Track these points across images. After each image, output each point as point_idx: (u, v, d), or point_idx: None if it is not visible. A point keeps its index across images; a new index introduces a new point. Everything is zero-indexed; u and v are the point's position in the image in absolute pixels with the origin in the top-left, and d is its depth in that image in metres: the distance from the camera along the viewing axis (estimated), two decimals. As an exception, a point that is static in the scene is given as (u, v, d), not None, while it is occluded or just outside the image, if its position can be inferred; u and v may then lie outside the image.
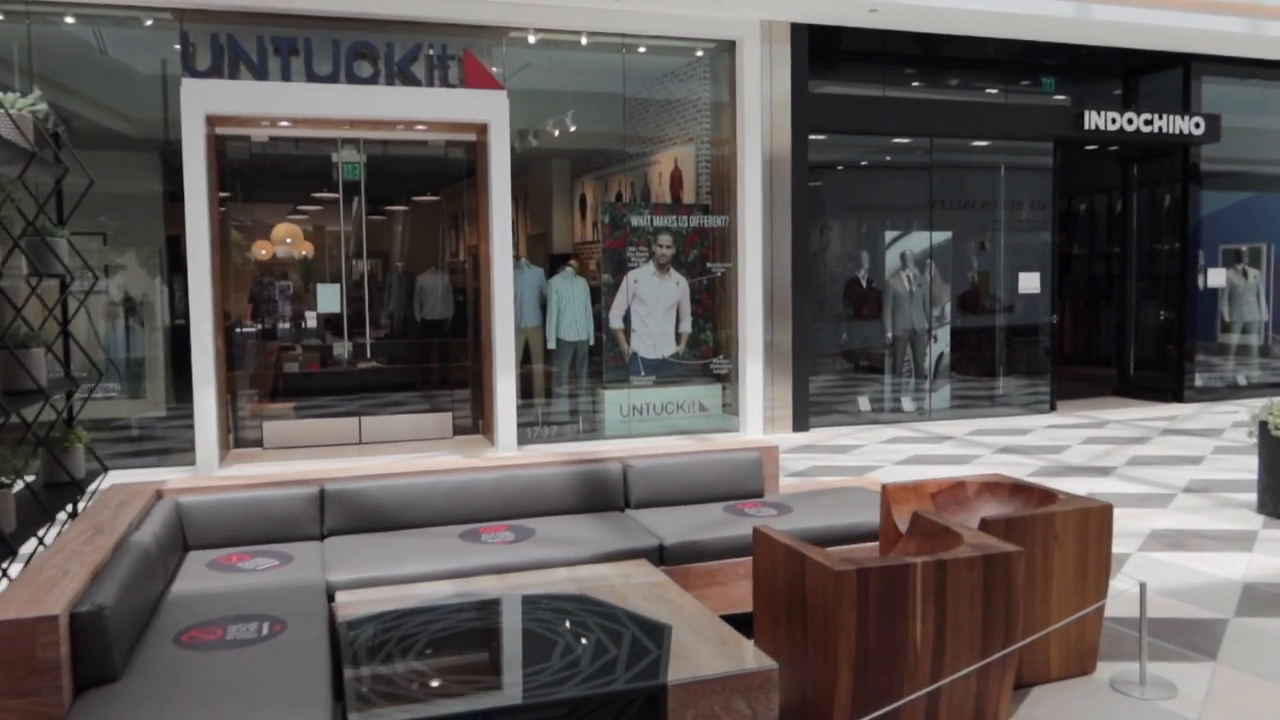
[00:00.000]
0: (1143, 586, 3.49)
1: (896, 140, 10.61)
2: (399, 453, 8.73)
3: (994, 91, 11.34)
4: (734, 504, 4.41)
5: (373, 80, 8.37)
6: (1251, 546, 5.23)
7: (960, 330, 11.00)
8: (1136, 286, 11.99)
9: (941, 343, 10.84)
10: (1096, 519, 3.59)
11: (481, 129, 8.71)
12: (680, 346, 9.74)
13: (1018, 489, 3.97)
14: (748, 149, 9.30)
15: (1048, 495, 3.82)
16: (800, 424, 9.55)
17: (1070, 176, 13.15)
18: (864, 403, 10.58)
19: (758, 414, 9.45)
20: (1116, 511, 5.93)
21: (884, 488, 3.97)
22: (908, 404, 10.61)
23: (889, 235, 10.72)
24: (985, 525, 3.42)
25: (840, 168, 11.12)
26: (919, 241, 10.69)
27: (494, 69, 8.95)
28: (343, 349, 9.98)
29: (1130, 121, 10.47)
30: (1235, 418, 10.03)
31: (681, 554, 3.90)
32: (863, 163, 10.97)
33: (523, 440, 9.06)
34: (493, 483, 4.25)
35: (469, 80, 8.61)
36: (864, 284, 10.96)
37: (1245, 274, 12.14)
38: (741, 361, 9.47)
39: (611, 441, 9.17)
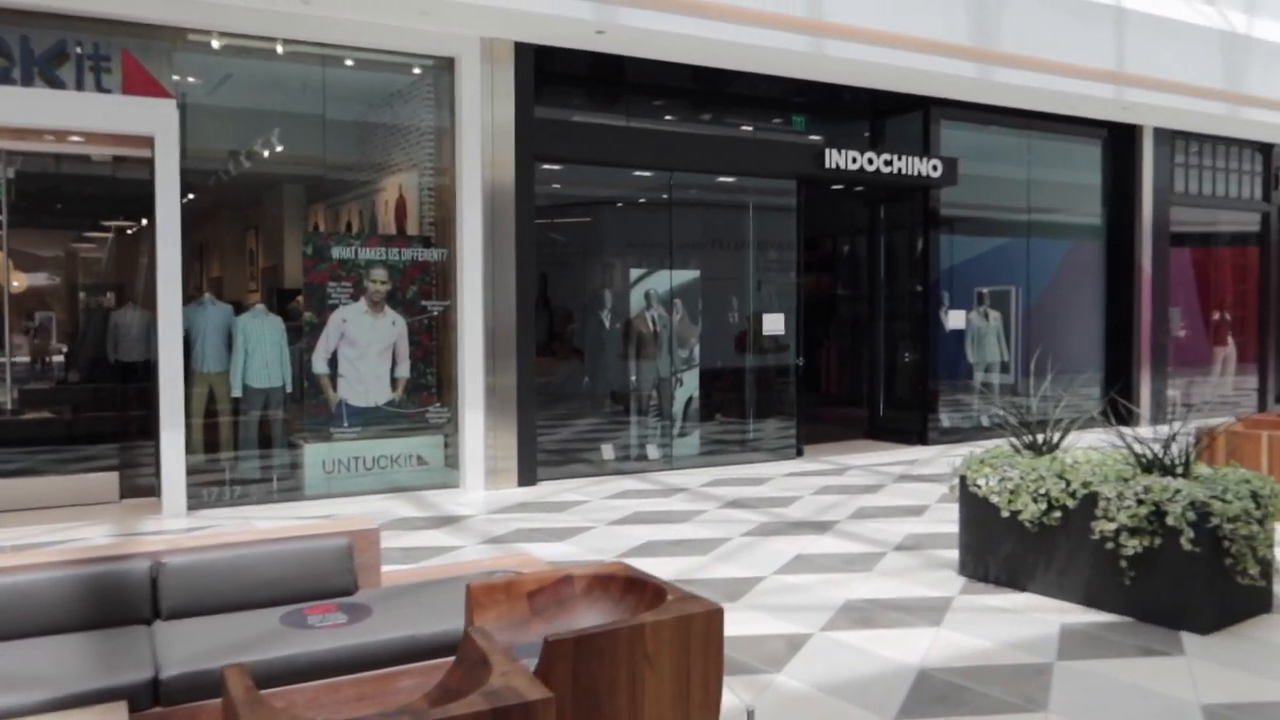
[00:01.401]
0: (749, 714, 2.81)
1: (639, 174, 10.08)
2: (44, 522, 7.30)
3: (748, 128, 11.07)
4: (301, 608, 3.49)
5: (3, 80, 7.02)
6: (941, 619, 4.76)
7: (711, 373, 10.55)
8: (885, 328, 11.96)
9: (689, 386, 10.34)
10: (702, 627, 2.90)
11: (147, 142, 7.49)
12: (397, 393, 8.75)
13: (632, 585, 3.25)
14: (467, 176, 8.49)
15: (660, 594, 3.11)
16: (526, 477, 8.73)
17: (823, 216, 13.10)
18: (608, 451, 9.91)
19: (478, 467, 8.56)
20: (818, 578, 5.41)
21: (468, 589, 3.15)
22: (653, 451, 10.02)
23: (633, 273, 10.15)
24: (549, 646, 2.65)
25: (578, 204, 10.52)
26: (665, 280, 10.17)
27: (176, 77, 7.78)
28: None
29: (870, 161, 10.37)
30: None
31: (185, 689, 2.94)
32: (603, 197, 10.39)
33: (199, 504, 7.80)
34: (-54, 598, 3.15)
35: (128, 85, 7.39)
36: (605, 324, 10.35)
37: (986, 316, 12.34)
38: (460, 409, 8.58)
39: (311, 503, 8.05)
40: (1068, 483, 4.96)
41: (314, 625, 3.32)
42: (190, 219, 10.87)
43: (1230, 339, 14.42)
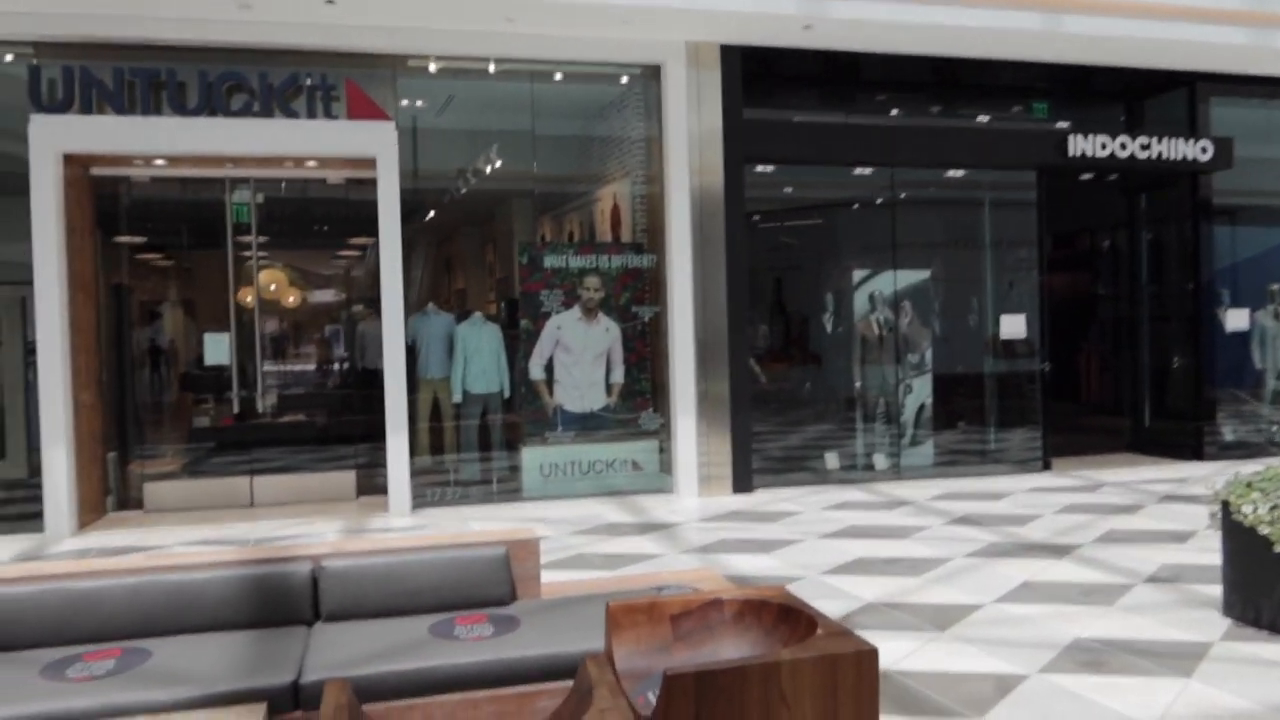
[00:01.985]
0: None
1: (860, 172, 9.54)
2: (289, 516, 7.88)
3: (983, 118, 10.23)
4: (452, 617, 3.40)
5: (245, 112, 7.65)
6: (1192, 670, 4.01)
7: (946, 379, 9.81)
8: (1151, 330, 10.63)
9: (920, 393, 9.66)
10: (851, 669, 2.50)
11: (369, 163, 7.92)
12: (612, 398, 8.75)
13: (786, 614, 2.89)
14: (674, 182, 8.35)
15: (814, 626, 2.74)
16: (741, 484, 8.44)
17: (1077, 210, 11.91)
18: (832, 460, 9.43)
19: (691, 474, 8.38)
20: (1046, 610, 4.78)
21: (608, 609, 2.93)
22: (880, 461, 9.43)
23: (856, 275, 9.62)
24: (668, 681, 2.37)
25: (798, 207, 10.13)
26: (890, 282, 9.55)
27: (402, 101, 8.21)
28: (256, 401, 9.25)
29: (1123, 146, 9.25)
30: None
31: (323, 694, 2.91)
32: (823, 199, 9.93)
33: (424, 503, 8.14)
34: (127, 591, 3.31)
35: (352, 111, 7.85)
36: (829, 329, 9.87)
37: (1277, 315, 10.69)
38: (673, 415, 8.44)
39: (528, 504, 8.19)
40: (1360, 511, 4.05)
41: (460, 636, 3.22)
42: (431, 235, 11.56)
43: None
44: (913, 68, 9.24)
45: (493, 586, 3.58)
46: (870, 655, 2.52)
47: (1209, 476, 8.98)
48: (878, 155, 9.06)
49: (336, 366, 10.81)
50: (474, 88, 8.86)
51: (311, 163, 8.16)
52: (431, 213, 11.24)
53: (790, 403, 10.20)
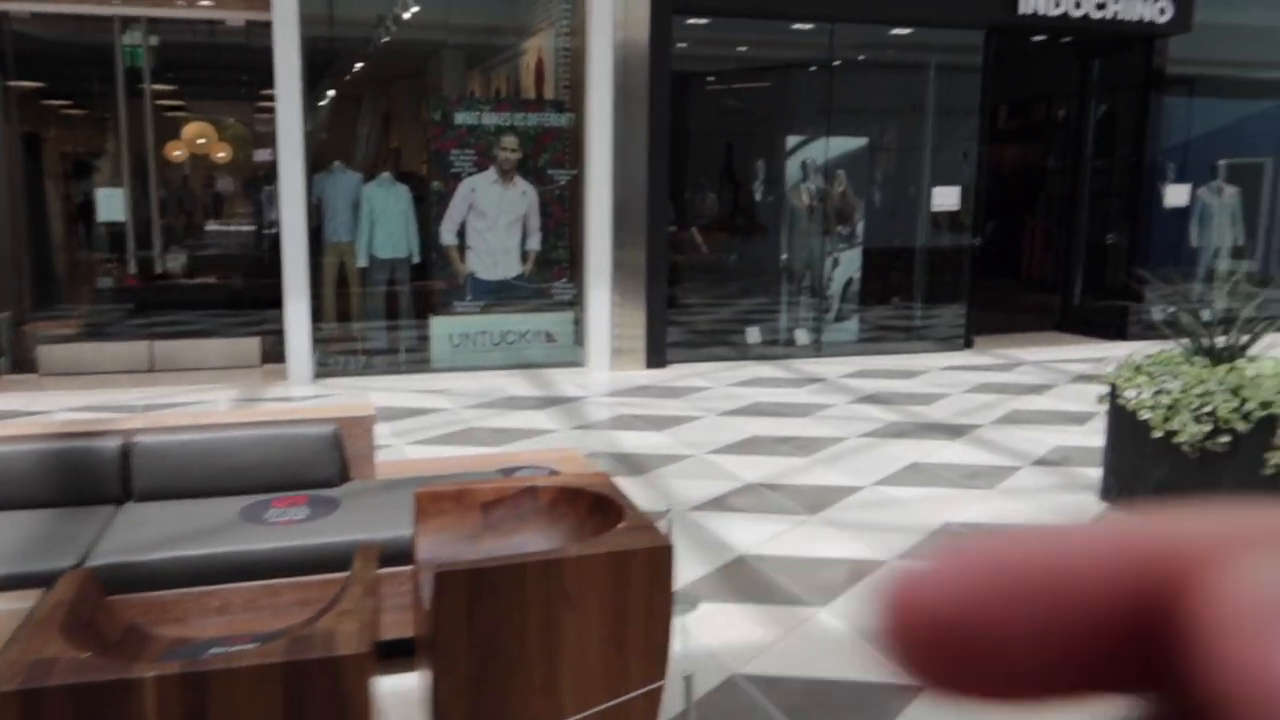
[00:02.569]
0: (688, 680, 2.27)
1: (798, 28, 9.02)
2: (191, 383, 7.63)
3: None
4: (269, 499, 3.21)
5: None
6: (1053, 555, 3.95)
7: (875, 252, 9.58)
8: (1091, 205, 10.42)
9: (848, 267, 9.44)
10: (644, 565, 2.35)
11: (265, 3, 7.32)
12: (527, 267, 8.46)
13: (600, 503, 2.73)
14: (595, 34, 7.84)
15: (621, 518, 2.58)
16: (655, 359, 8.28)
17: (1035, 76, 11.51)
18: (753, 334, 9.28)
19: (603, 347, 8.19)
20: (924, 493, 4.70)
21: (416, 496, 2.75)
22: (802, 337, 9.29)
23: (790, 142, 9.23)
24: (439, 579, 2.20)
25: (728, 68, 9.63)
26: (825, 149, 9.19)
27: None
28: (154, 261, 8.86)
29: (1078, 4, 8.79)
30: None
31: (107, 580, 2.73)
32: (757, 58, 9.44)
33: (327, 372, 7.90)
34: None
35: (242, -56, 7.21)
36: (757, 197, 9.56)
37: (1220, 192, 10.50)
38: (585, 286, 8.18)
39: (435, 375, 7.99)
40: (1243, 401, 3.93)
41: (270, 520, 3.04)
42: (352, 89, 10.92)
43: None
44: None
45: (321, 467, 3.39)
46: (663, 552, 2.37)
47: (1128, 357, 8.96)
48: (816, 8, 8.54)
49: (247, 227, 10.37)
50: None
51: (204, 1, 7.54)
52: (351, 64, 10.60)
53: (717, 274, 9.97)
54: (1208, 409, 3.99)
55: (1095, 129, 10.26)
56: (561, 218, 8.48)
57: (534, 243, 8.43)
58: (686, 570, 3.77)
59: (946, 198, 9.27)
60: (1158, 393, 4.21)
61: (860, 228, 9.38)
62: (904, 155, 9.84)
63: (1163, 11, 9.01)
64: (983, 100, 9.15)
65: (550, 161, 8.35)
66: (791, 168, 9.18)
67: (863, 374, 8.08)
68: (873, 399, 7.05)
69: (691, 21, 8.59)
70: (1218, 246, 10.63)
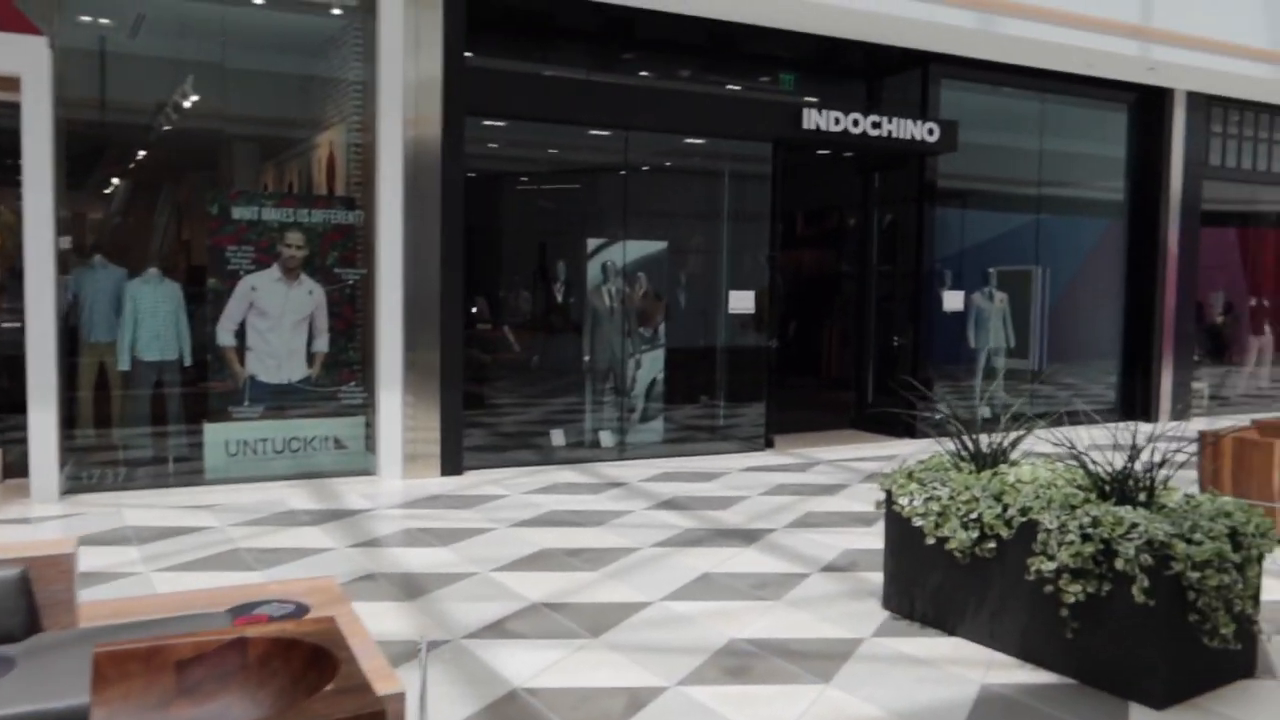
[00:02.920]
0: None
1: (597, 134, 9.13)
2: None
3: (734, 87, 10.07)
4: (-79, 663, 2.68)
5: None
6: (834, 674, 3.85)
7: (679, 353, 9.64)
8: (878, 308, 10.93)
9: (651, 368, 9.44)
10: (350, 737, 2.03)
11: (13, 84, 6.71)
12: (314, 369, 7.97)
13: (318, 656, 2.38)
14: (385, 131, 7.62)
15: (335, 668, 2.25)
16: (450, 465, 7.90)
17: (825, 186, 12.11)
18: (558, 437, 9.06)
19: (395, 454, 7.76)
20: (712, 607, 4.54)
21: (94, 657, 2.32)
22: (607, 439, 9.15)
23: (591, 244, 9.24)
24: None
25: (528, 170, 9.63)
26: (627, 251, 9.25)
27: (81, 17, 7.05)
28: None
29: (856, 123, 9.32)
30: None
31: None
32: (557, 161, 9.48)
33: (79, 488, 7.09)
34: None
35: (-9, 21, 6.62)
36: (559, 298, 9.48)
37: (992, 297, 11.27)
38: (376, 388, 7.77)
39: (209, 489, 7.31)
40: (1005, 507, 4.01)
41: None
42: (142, 179, 10.20)
43: (1267, 328, 13.18)
44: (663, 28, 8.94)
45: (8, 615, 2.87)
46: (375, 718, 2.05)
47: (916, 454, 9.31)
48: (611, 116, 8.66)
49: (10, 324, 9.37)
50: (164, 8, 7.77)
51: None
52: (132, 153, 9.94)
53: (525, 374, 9.75)
54: (974, 515, 4.04)
55: (879, 237, 10.84)
56: (352, 318, 8.09)
57: (321, 344, 7.98)
58: (450, 712, 3.43)
59: (742, 301, 9.48)
60: (929, 499, 4.25)
61: (662, 328, 9.44)
62: (703, 259, 10.05)
63: (931, 132, 9.69)
64: (773, 208, 9.49)
65: (340, 259, 7.99)
66: (593, 269, 9.18)
67: (664, 477, 7.99)
68: (670, 504, 6.93)
69: (492, 124, 8.55)
70: (992, 347, 11.36)
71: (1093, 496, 3.94)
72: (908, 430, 10.38)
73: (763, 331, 9.67)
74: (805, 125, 9.09)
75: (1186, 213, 11.64)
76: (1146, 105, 11.54)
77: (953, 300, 10.69)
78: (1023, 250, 11.37)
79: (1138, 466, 3.97)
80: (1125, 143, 11.76)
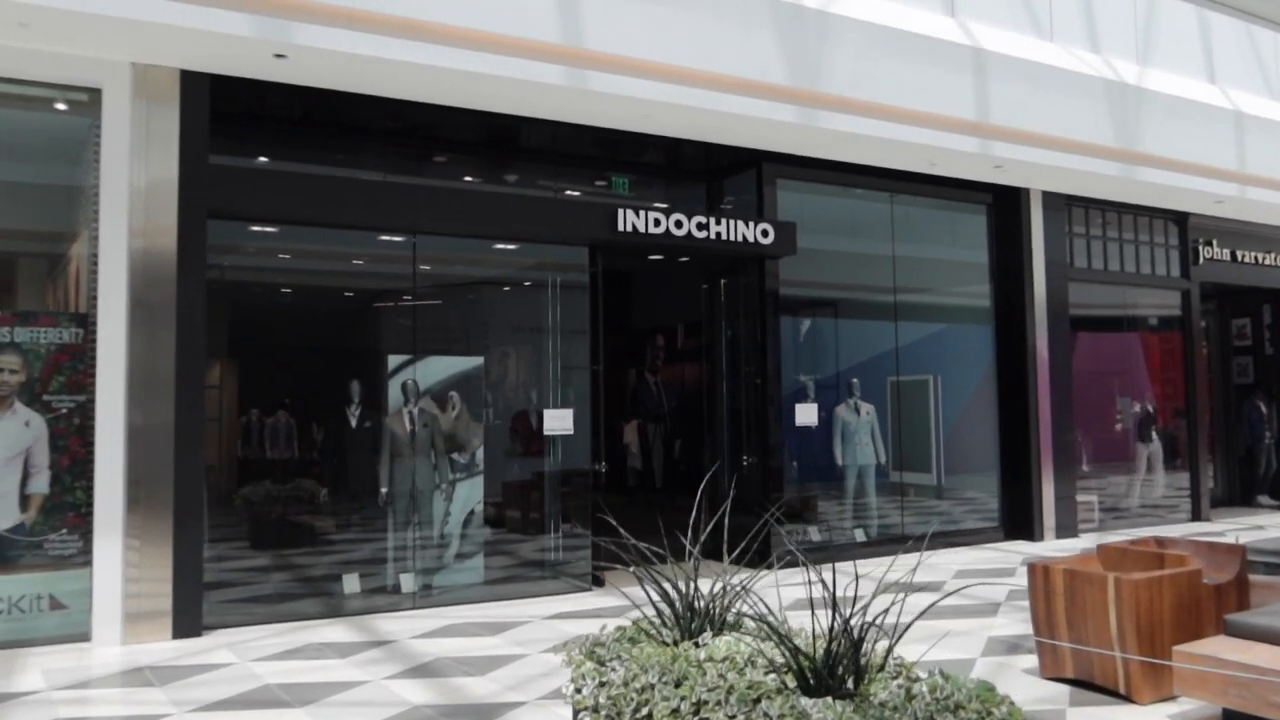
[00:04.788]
0: None
1: (385, 238, 8.25)
2: None
3: (573, 191, 9.34)
4: None
5: None
6: None
7: (498, 483, 8.59)
8: (729, 426, 10.02)
9: (468, 499, 8.36)
10: None
11: None
12: (29, 514, 6.74)
13: None
14: (108, 239, 6.66)
15: None
16: (186, 625, 6.64)
17: (682, 297, 11.36)
18: (351, 583, 7.86)
19: (113, 615, 6.49)
20: None
21: None
22: (408, 583, 7.96)
23: (392, 362, 8.25)
24: None
25: (311, 281, 8.69)
26: (439, 368, 8.29)
27: None
28: None
29: (679, 224, 8.60)
30: (820, 592, 7.98)
31: None
32: (330, 270, 8.55)
33: None
34: None
35: None
36: (353, 424, 8.41)
37: (858, 409, 10.44)
38: (93, 534, 6.56)
39: None
40: (681, 699, 2.97)
41: None
42: None
43: (1155, 434, 12.52)
44: (461, 124, 8.21)
45: None
46: None
47: (765, 589, 8.25)
48: (388, 217, 7.77)
49: None
50: None
51: None
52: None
53: (312, 512, 8.58)
54: (643, 711, 2.99)
55: (727, 349, 10.02)
56: (79, 453, 6.92)
57: (39, 484, 6.78)
58: None
59: (559, 421, 8.50)
60: (602, 684, 3.20)
61: (480, 454, 8.40)
62: (526, 373, 9.10)
63: (765, 234, 9.00)
64: (593, 317, 8.63)
65: (66, 385, 6.88)
66: (394, 389, 8.17)
67: (446, 631, 6.82)
68: (422, 670, 5.75)
69: (260, 229, 7.63)
70: (861, 464, 10.48)
71: (789, 682, 2.92)
72: (763, 558, 9.34)
73: (592, 454, 8.67)
74: (621, 227, 8.34)
75: (1054, 315, 11.05)
76: (1004, 206, 11.07)
77: (806, 414, 9.83)
78: (886, 360, 10.63)
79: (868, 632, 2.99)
80: (986, 245, 11.24)
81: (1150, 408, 12.62)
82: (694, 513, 4.37)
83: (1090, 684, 5.22)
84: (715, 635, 3.40)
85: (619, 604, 7.68)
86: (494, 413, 8.78)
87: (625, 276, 14.92)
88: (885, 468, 10.53)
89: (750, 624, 3.55)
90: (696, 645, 3.28)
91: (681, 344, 14.60)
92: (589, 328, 8.64)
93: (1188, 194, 11.26)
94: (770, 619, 3.19)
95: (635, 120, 8.19)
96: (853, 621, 3.05)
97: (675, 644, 3.34)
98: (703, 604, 3.63)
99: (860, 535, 10.34)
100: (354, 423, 8.41)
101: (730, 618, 3.63)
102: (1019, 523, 10.81)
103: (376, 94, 7.34)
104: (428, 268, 8.23)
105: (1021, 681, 5.44)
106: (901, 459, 11.13)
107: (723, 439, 10.00)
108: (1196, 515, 12.47)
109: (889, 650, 3.00)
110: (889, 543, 10.24)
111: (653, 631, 3.56)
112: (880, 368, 10.64)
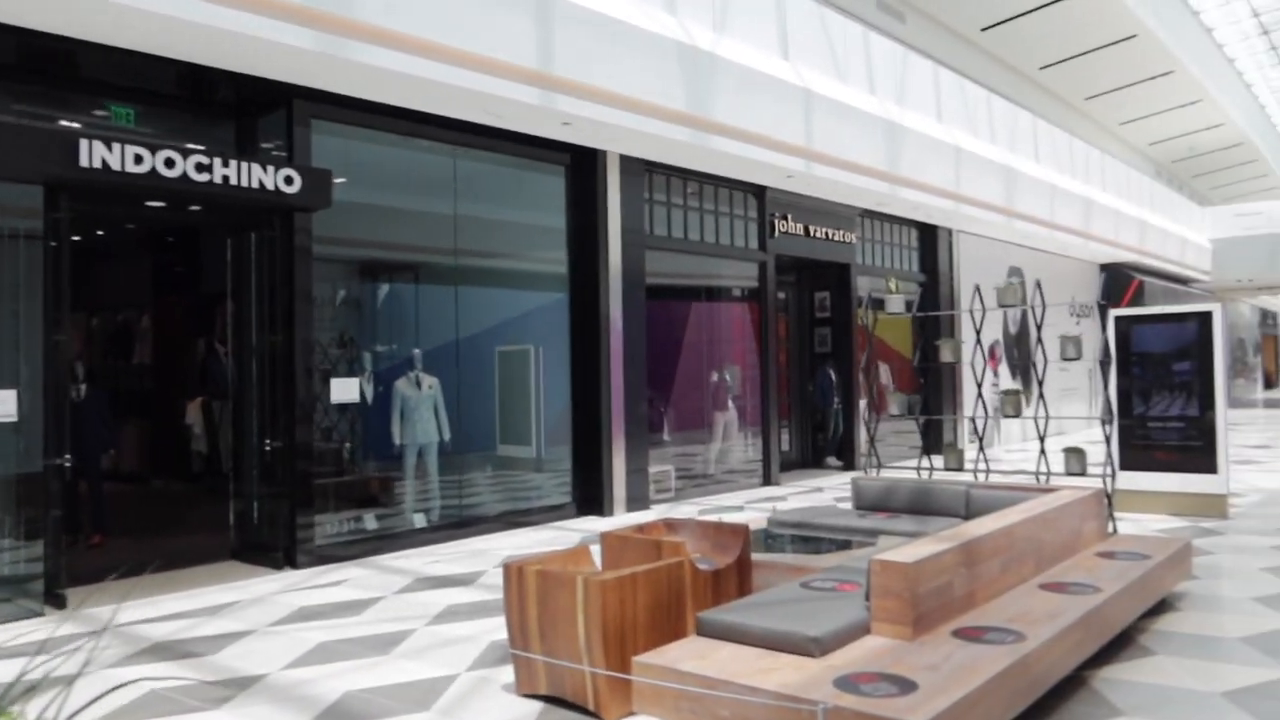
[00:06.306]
0: None
1: None
2: None
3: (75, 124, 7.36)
4: None
5: None
6: None
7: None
8: (259, 402, 8.62)
9: None
10: None
11: None
12: None
13: None
14: None
15: None
16: None
17: (210, 251, 9.68)
18: None
19: None
20: None
21: None
22: None
23: None
24: None
25: None
26: None
27: None
28: None
29: (170, 163, 7.07)
30: (340, 594, 6.92)
31: None
32: None
33: None
34: None
35: None
36: None
37: (419, 383, 9.47)
38: None
39: None
40: None
41: None
42: None
43: (731, 403, 12.78)
44: None
45: None
46: None
47: (279, 595, 7.07)
48: None
49: None
50: None
51: None
52: None
53: None
54: None
55: (257, 315, 8.59)
56: None
57: None
58: None
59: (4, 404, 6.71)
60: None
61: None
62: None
63: (289, 181, 7.72)
64: (53, 276, 6.89)
65: None
66: None
67: None
68: None
69: None
70: (424, 443, 9.55)
71: None
72: (288, 558, 8.14)
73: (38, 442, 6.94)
74: (85, 162, 6.67)
75: (629, 284, 10.75)
76: (581, 169, 10.57)
77: (343, 390, 8.71)
78: (447, 325, 9.74)
79: None
80: (564, 209, 10.69)
81: (728, 376, 12.86)
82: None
83: (564, 701, 4.62)
84: None
85: (76, 630, 6.15)
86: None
87: (194, 235, 12.93)
88: (447, 445, 9.67)
89: None
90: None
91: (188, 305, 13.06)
92: (49, 288, 6.88)
93: (760, 166, 11.39)
94: None
95: (108, 32, 6.54)
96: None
97: None
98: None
99: (420, 520, 9.44)
100: None
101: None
102: (589, 497, 10.45)
103: None
104: None
105: (497, 700, 4.75)
106: (504, 433, 10.43)
107: (249, 421, 8.60)
108: (767, 480, 12.92)
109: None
110: (452, 527, 9.44)
111: None
112: (447, 335, 9.76)
